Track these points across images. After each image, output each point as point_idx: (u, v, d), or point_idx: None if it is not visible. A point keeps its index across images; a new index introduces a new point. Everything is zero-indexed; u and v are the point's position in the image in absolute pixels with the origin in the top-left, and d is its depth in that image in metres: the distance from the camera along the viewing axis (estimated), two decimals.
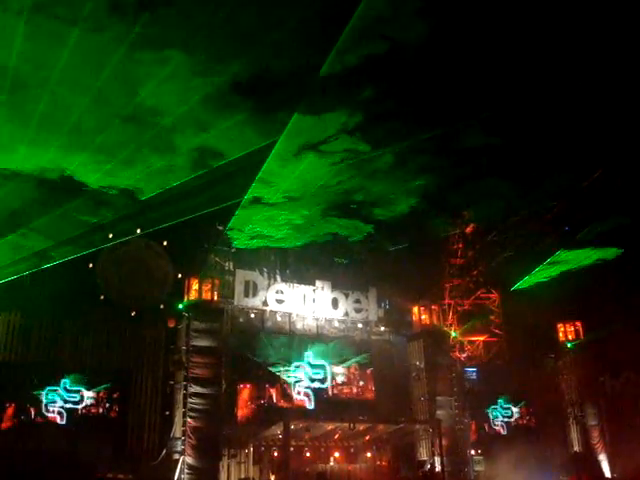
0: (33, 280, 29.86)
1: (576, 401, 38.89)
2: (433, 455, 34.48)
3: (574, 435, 38.60)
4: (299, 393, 33.45)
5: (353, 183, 29.80)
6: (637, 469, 30.51)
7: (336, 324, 35.67)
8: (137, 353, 31.35)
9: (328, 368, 34.43)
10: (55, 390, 28.97)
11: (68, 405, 29.16)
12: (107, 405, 29.86)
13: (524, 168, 29.27)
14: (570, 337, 39.38)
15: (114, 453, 29.01)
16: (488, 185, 30.44)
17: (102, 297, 29.64)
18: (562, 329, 39.68)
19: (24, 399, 28.58)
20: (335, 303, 35.31)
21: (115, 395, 30.38)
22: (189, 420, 29.26)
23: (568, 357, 39.28)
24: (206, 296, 31.41)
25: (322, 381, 34.05)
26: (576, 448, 38.31)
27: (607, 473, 36.22)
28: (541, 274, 38.27)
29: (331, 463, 34.16)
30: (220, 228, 32.87)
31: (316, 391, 33.74)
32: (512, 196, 31.74)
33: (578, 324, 39.45)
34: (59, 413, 28.91)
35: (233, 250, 34.05)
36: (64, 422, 28.89)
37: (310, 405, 33.31)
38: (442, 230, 38.08)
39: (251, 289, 33.41)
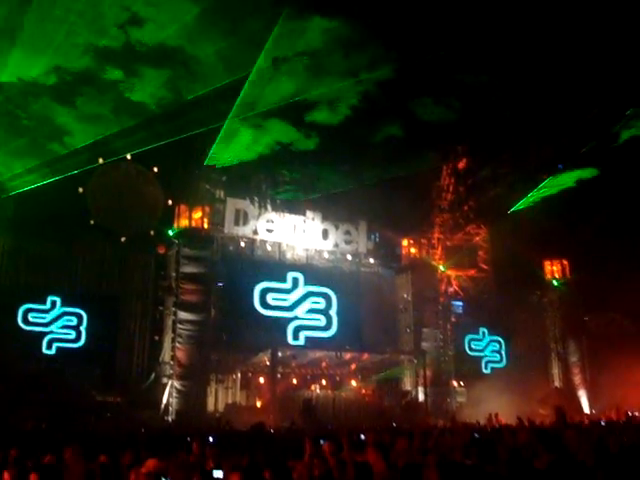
0: (19, 205, 29.49)
1: (559, 338, 39.58)
2: (417, 385, 35.16)
3: (555, 371, 39.42)
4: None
5: None
6: (614, 407, 31.10)
7: (326, 255, 35.69)
8: (127, 279, 31.42)
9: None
10: (44, 311, 28.90)
11: (57, 329, 29.15)
12: (96, 330, 29.84)
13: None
14: (557, 275, 39.83)
15: (103, 377, 29.33)
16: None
17: (92, 222, 29.42)
18: (549, 266, 40.06)
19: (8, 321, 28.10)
20: (325, 234, 35.26)
21: (104, 320, 30.42)
22: (178, 345, 29.58)
23: (553, 294, 39.78)
24: (196, 223, 31.36)
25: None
26: (557, 383, 39.17)
27: (586, 409, 37.00)
28: (529, 199, 38.25)
29: (317, 390, 34.77)
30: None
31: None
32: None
33: (565, 262, 39.83)
34: (48, 338, 28.92)
35: (224, 178, 33.81)
36: (52, 350, 28.81)
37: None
38: (434, 163, 37.94)
39: (242, 218, 33.20)
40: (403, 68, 29.33)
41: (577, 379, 38.80)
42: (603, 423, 25.07)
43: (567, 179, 37.42)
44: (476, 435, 14.88)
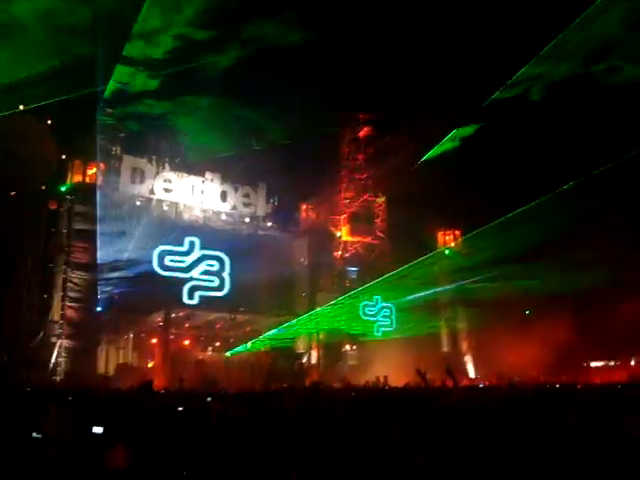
0: None
1: (448, 304, 40.88)
2: (310, 349, 35.78)
3: (444, 337, 40.84)
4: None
5: None
6: (496, 374, 32.49)
7: (224, 217, 35.48)
8: (17, 235, 30.28)
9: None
10: None
11: None
12: None
13: None
14: (449, 244, 41.07)
15: None
16: None
17: None
18: (442, 236, 41.25)
19: None
20: (224, 196, 35.04)
21: None
22: (68, 304, 28.96)
23: (444, 263, 40.97)
24: (90, 180, 30.57)
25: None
26: (445, 349, 40.63)
27: (471, 374, 38.59)
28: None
29: (210, 352, 34.84)
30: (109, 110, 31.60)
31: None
32: None
33: (457, 232, 41.12)
34: None
35: (122, 134, 32.91)
36: None
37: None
38: (336, 129, 38.20)
39: (138, 176, 32.53)
40: None
41: (464, 345, 40.33)
42: (481, 385, 26.29)
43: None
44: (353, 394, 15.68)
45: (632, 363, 36.09)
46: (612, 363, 37.48)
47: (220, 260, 33.77)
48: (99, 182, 30.76)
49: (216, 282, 33.51)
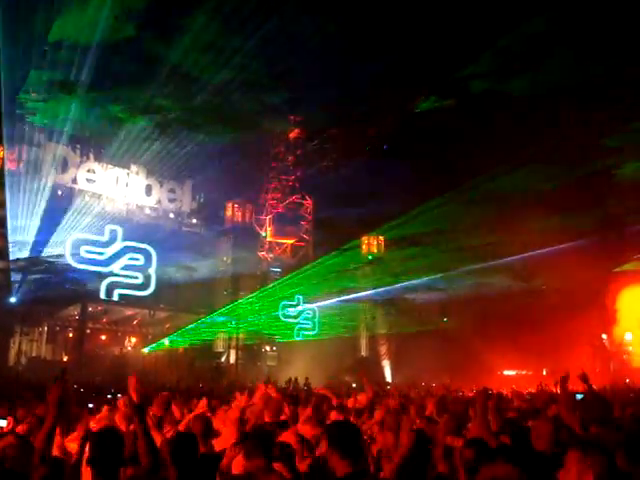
0: None
1: (369, 309, 41.34)
2: (229, 348, 35.59)
3: (363, 341, 41.27)
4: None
5: None
6: (411, 378, 33.02)
7: (147, 211, 34.89)
8: None
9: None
10: None
11: None
12: None
13: None
14: (372, 250, 41.47)
15: None
16: None
17: None
18: (366, 241, 41.61)
19: None
20: (149, 190, 34.46)
21: None
22: None
23: (367, 268, 41.40)
24: (10, 166, 29.48)
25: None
26: (364, 353, 41.06)
27: (388, 378, 39.09)
28: None
29: (128, 347, 34.24)
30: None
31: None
32: None
33: (381, 238, 41.57)
34: None
35: (45, 121, 31.83)
36: None
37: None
38: (266, 128, 38.06)
39: (60, 165, 31.53)
40: None
41: (382, 350, 40.85)
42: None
43: None
44: None
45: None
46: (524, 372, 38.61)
47: (146, 253, 31.95)
48: (12, 167, 29.46)
49: (140, 279, 31.66)
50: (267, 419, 6.83)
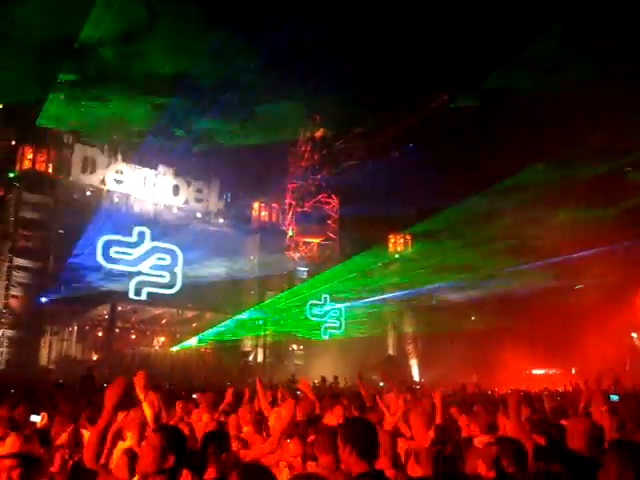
0: None
1: (396, 307, 41.20)
2: (257, 347, 35.70)
3: (391, 340, 41.18)
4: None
5: None
6: (439, 377, 32.89)
7: (175, 211, 35.06)
8: None
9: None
10: None
11: None
12: None
13: None
14: (399, 248, 41.39)
15: None
16: None
17: None
18: (392, 240, 41.53)
19: None
20: (176, 190, 34.60)
21: None
22: (12, 293, 28.34)
23: (395, 267, 41.28)
24: (40, 167, 29.88)
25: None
26: (390, 352, 40.96)
27: (416, 377, 38.98)
28: None
29: (156, 347, 34.50)
30: None
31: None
32: None
33: (408, 237, 41.46)
34: None
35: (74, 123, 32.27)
36: None
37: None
38: (292, 130, 38.20)
39: (89, 165, 31.85)
40: None
41: (410, 349, 40.73)
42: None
43: None
44: None
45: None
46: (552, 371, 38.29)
47: (172, 253, 32.41)
48: (49, 170, 30.03)
49: (167, 278, 32.08)
50: (299, 418, 6.84)
